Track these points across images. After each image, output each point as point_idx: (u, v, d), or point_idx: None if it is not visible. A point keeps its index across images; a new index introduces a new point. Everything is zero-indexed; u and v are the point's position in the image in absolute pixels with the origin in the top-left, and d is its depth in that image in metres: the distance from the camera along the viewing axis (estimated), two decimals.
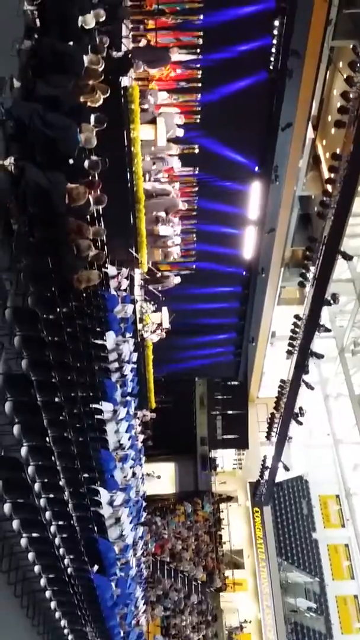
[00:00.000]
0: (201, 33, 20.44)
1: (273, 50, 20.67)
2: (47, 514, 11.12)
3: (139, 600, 22.51)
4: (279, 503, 36.07)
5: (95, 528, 13.39)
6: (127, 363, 18.21)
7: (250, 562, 33.69)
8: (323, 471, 36.86)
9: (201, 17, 20.18)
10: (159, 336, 22.18)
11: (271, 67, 21.00)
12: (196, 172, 23.50)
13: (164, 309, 22.08)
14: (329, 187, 20.29)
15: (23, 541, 10.45)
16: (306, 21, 19.31)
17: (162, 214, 20.17)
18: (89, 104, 11.48)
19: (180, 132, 20.09)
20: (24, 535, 10.34)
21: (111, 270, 17.58)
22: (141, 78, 19.59)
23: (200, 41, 20.56)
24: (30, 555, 10.90)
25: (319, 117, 24.72)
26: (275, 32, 20.34)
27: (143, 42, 19.11)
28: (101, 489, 13.98)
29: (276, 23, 20.19)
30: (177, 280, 21.85)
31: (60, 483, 11.33)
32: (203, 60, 20.96)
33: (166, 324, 22.02)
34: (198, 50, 20.75)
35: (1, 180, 9.41)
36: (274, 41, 20.50)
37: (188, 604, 29.50)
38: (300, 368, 23.87)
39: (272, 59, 20.83)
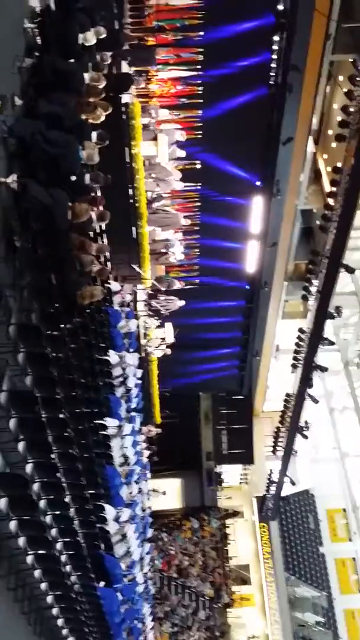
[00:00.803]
0: (201, 49, 20.56)
1: (273, 65, 20.79)
2: (53, 531, 11.10)
3: (147, 617, 22.38)
4: (285, 517, 35.85)
5: (102, 545, 13.35)
6: (132, 378, 18.21)
7: (257, 577, 33.50)
8: (329, 485, 36.52)
9: (201, 33, 20.30)
10: (163, 352, 22.17)
11: (271, 82, 21.11)
12: (198, 187, 23.55)
13: (168, 324, 22.07)
14: (330, 201, 20.36)
15: (29, 558, 10.42)
16: (305, 36, 19.38)
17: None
18: (90, 121, 11.52)
19: (182, 153, 20.20)
20: (30, 552, 10.32)
21: (114, 285, 17.58)
22: (142, 95, 19.69)
23: (201, 57, 20.68)
24: (37, 573, 10.87)
25: (319, 131, 24.78)
26: (275, 47, 20.48)
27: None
28: (107, 506, 13.92)
29: (276, 38, 20.32)
30: (182, 303, 21.86)
31: (66, 500, 11.31)
32: (203, 76, 21.06)
33: (170, 339, 22.00)
34: (198, 67, 20.87)
35: (4, 198, 9.46)
36: (274, 56, 20.63)
37: (196, 620, 29.39)
38: (305, 381, 23.88)
39: (272, 74, 20.94)
